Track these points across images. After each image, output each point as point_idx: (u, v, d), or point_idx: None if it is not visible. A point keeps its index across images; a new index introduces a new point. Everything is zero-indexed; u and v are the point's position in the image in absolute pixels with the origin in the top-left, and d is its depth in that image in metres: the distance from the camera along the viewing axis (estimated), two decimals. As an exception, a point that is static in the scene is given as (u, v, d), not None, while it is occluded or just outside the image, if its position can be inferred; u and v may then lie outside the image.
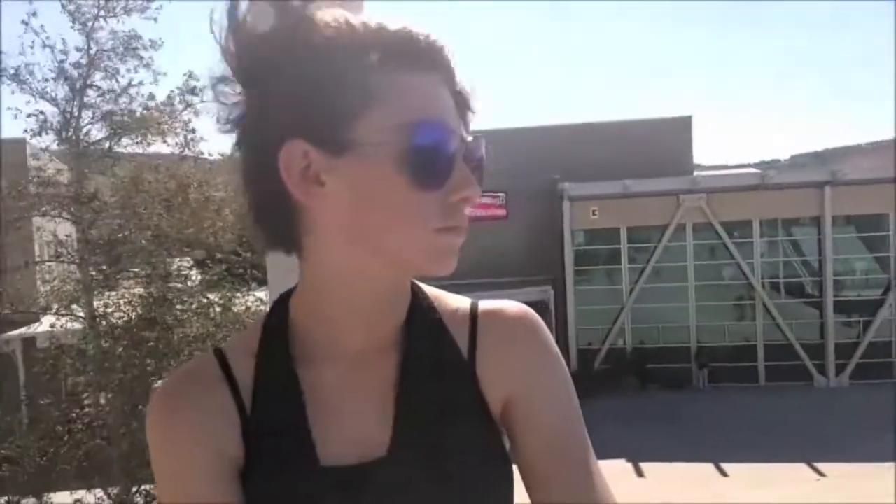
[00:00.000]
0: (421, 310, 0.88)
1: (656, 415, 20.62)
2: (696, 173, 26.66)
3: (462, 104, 0.82)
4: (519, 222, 25.78)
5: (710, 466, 15.68)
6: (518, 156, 25.71)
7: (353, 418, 0.83)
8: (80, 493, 10.58)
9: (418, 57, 0.77)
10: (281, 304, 0.88)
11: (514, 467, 0.88)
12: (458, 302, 0.92)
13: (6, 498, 10.42)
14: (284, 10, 0.76)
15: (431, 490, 0.81)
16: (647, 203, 24.38)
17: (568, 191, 24.35)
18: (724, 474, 15.40)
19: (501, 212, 26.49)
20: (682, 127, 26.97)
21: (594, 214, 24.76)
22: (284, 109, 0.75)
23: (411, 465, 0.81)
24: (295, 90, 0.75)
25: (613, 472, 15.48)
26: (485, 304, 0.91)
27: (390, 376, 0.84)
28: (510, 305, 0.91)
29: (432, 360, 0.86)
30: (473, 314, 0.90)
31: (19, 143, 14.41)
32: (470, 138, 0.81)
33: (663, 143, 25.87)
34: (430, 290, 0.92)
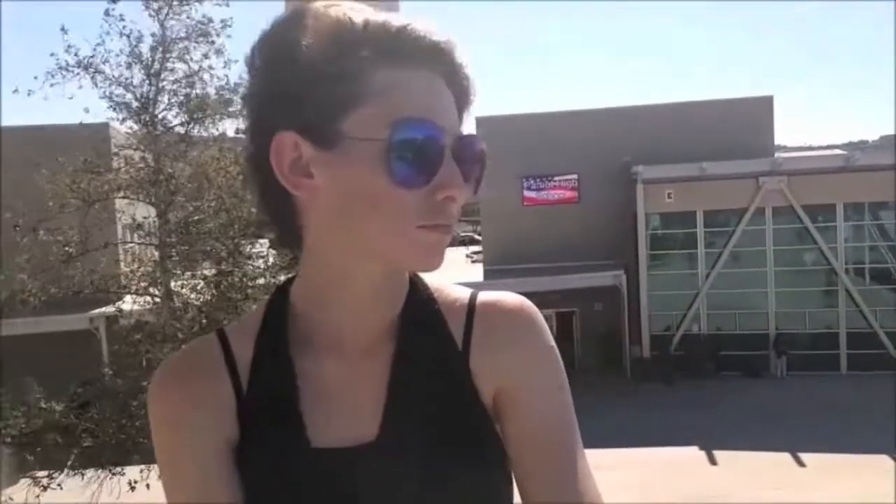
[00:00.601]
0: (419, 301, 0.90)
1: (731, 402, 20.14)
2: (777, 155, 25.80)
3: (464, 102, 0.83)
4: (591, 206, 25.45)
5: (786, 455, 15.24)
6: (590, 138, 25.39)
7: (346, 404, 0.86)
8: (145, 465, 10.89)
9: (416, 54, 0.78)
10: (282, 291, 0.91)
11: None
12: (458, 293, 0.93)
13: (66, 470, 10.83)
14: (288, 6, 0.81)
15: (420, 475, 0.82)
16: (725, 186, 23.69)
17: (642, 173, 23.86)
18: (800, 464, 14.96)
19: (573, 195, 26.23)
20: (762, 107, 26.07)
21: (669, 198, 24.21)
22: (279, 102, 0.78)
23: (400, 450, 0.83)
24: (290, 83, 0.77)
25: (686, 459, 15.35)
26: (483, 296, 0.92)
27: (385, 365, 0.87)
28: (507, 297, 0.92)
29: (426, 350, 0.88)
30: (471, 305, 0.91)
31: (102, 128, 14.92)
32: (466, 135, 0.82)
33: (742, 124, 25.11)
34: (432, 283, 0.93)
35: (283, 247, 0.89)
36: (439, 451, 0.83)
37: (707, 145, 24.01)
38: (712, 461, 15.53)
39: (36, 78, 12.28)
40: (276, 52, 0.79)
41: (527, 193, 26.32)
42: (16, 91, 12.55)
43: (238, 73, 13.11)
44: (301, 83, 0.77)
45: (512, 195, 26.05)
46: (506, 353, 0.88)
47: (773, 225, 24.15)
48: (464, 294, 0.93)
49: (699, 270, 24.64)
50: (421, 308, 0.90)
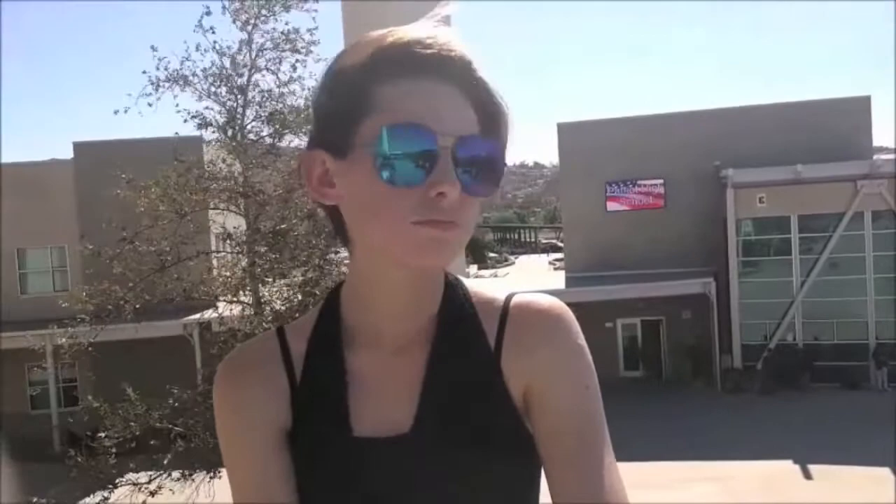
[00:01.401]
0: (455, 302, 0.96)
1: (827, 414, 19.36)
2: (876, 157, 24.71)
3: (486, 106, 0.88)
4: (678, 211, 24.90)
5: (885, 470, 14.56)
6: (676, 142, 24.86)
7: (386, 398, 0.92)
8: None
9: (421, 65, 0.84)
10: (334, 293, 0.99)
11: None
12: (494, 295, 0.98)
13: (162, 473, 11.17)
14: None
15: (449, 469, 0.88)
16: (821, 189, 22.81)
17: (732, 177, 23.20)
18: (902, 480, 14.26)
19: (658, 201, 25.70)
20: (859, 108, 25.01)
21: (761, 202, 23.48)
22: (314, 123, 0.92)
23: (433, 442, 0.89)
24: (317, 106, 0.91)
25: (779, 473, 14.81)
26: (517, 297, 0.97)
27: (421, 362, 0.93)
28: (539, 298, 0.96)
29: (460, 349, 0.93)
30: (505, 306, 0.96)
31: (195, 141, 15.42)
32: (468, 136, 0.85)
33: (838, 126, 24.11)
34: (469, 284, 0.99)
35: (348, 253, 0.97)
36: (469, 448, 0.88)
37: (801, 148, 23.18)
38: (807, 475, 14.99)
39: (130, 94, 12.80)
40: (319, 82, 0.90)
41: (610, 199, 25.96)
42: (122, 110, 13.01)
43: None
44: (323, 105, 0.88)
45: (595, 201, 25.74)
46: (535, 352, 0.92)
47: (873, 230, 23.18)
48: (500, 296, 0.97)
49: (794, 278, 23.80)
50: (457, 309, 0.95)
